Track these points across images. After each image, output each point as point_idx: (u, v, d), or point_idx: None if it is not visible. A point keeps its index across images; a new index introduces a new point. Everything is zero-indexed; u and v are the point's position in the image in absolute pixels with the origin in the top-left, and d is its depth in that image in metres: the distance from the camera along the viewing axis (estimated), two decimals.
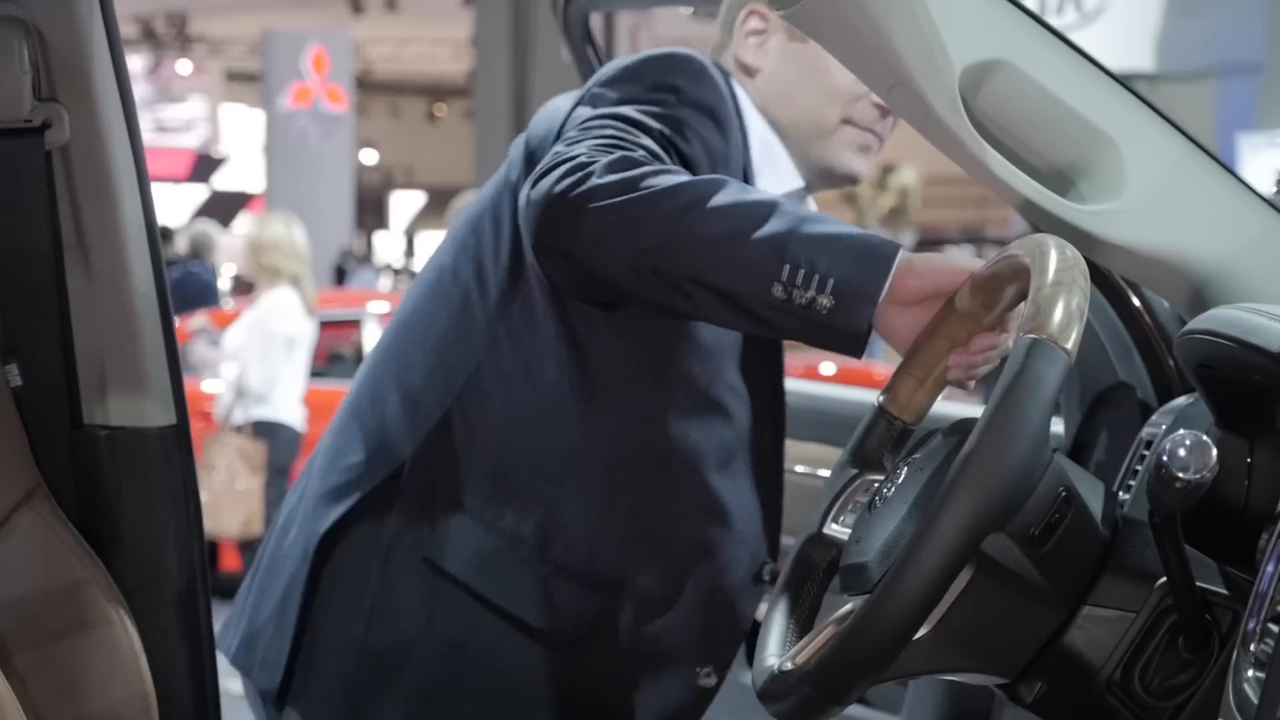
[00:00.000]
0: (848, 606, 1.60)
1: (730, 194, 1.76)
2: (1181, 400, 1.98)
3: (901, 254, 1.73)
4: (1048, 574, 1.52)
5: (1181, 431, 1.41)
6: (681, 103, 2.00)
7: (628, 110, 1.95)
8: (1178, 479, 1.39)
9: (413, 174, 36.76)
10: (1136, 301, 2.32)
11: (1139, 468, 1.93)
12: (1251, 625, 1.36)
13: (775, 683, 1.59)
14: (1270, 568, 1.36)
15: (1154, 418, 1.98)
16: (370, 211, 33.40)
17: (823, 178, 2.24)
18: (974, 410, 2.16)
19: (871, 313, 1.71)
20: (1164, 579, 1.53)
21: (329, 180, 20.72)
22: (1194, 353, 1.74)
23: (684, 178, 1.79)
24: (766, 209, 1.74)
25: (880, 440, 1.79)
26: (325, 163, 20.87)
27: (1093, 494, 1.56)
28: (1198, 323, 1.72)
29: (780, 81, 2.17)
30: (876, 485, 1.71)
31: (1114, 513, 1.58)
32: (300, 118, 20.89)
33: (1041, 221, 1.87)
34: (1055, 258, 1.52)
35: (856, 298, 1.70)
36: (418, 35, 27.67)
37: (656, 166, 1.81)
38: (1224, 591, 1.55)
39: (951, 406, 2.65)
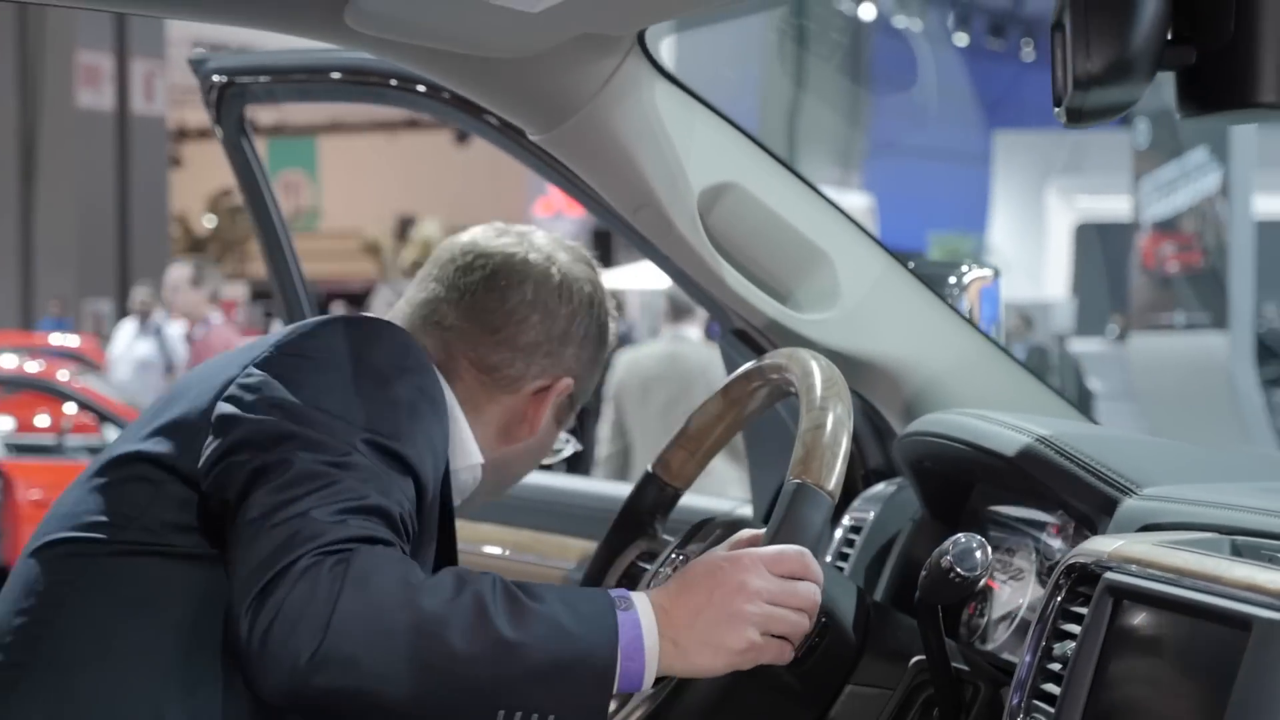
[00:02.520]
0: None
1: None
2: (882, 488, 2.19)
3: (641, 606, 1.55)
4: (806, 684, 1.70)
5: (963, 536, 1.59)
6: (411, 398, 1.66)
7: (347, 449, 1.57)
8: (963, 577, 1.58)
9: None
10: None
11: (848, 550, 2.12)
12: (1016, 701, 1.55)
13: None
14: (1028, 658, 1.55)
15: (857, 503, 2.18)
16: None
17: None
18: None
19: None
20: (917, 658, 1.72)
21: None
22: (915, 451, 1.94)
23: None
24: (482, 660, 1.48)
25: (652, 505, 1.95)
26: None
27: (847, 599, 1.75)
28: (923, 426, 1.92)
29: (518, 453, 1.89)
30: (650, 568, 1.84)
31: (866, 606, 1.76)
32: None
33: (768, 330, 2.04)
34: (820, 385, 1.69)
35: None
36: None
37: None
38: (966, 668, 1.75)
39: None
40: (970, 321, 2.13)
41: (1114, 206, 19.04)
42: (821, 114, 20.99)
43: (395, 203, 29.75)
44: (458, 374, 1.83)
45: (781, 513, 1.60)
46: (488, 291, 1.84)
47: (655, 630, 1.53)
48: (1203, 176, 11.34)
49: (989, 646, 1.87)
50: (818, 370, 1.71)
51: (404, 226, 28.36)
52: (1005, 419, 1.82)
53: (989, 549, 1.59)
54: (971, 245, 23.41)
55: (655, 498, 1.95)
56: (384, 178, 28.10)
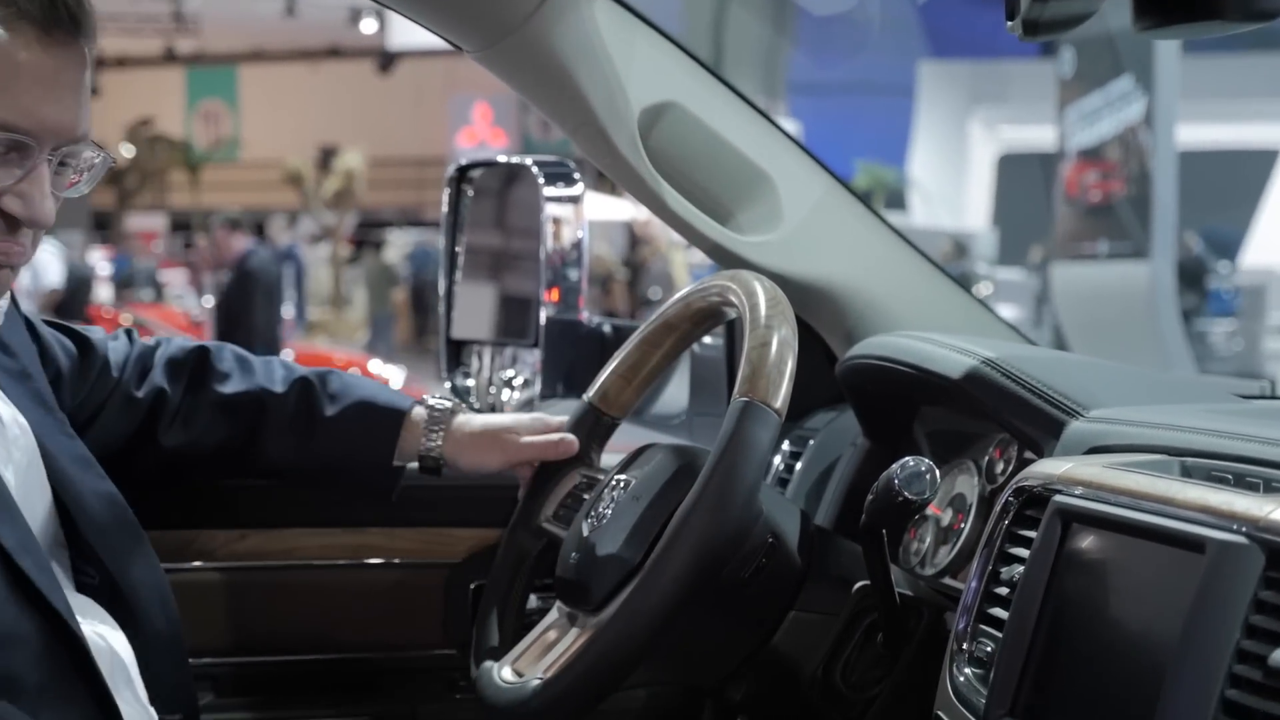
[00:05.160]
0: (558, 616, 1.73)
1: None
2: (822, 413, 2.17)
3: None
4: (752, 607, 1.69)
5: (910, 459, 1.57)
6: None
7: None
8: (911, 500, 1.56)
9: None
10: None
11: (786, 476, 2.11)
12: (962, 625, 1.54)
13: (507, 694, 1.68)
14: (974, 582, 1.53)
15: (797, 429, 2.16)
16: None
17: None
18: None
19: None
20: (861, 583, 1.71)
21: None
22: (859, 374, 1.92)
23: None
24: None
25: (589, 434, 1.91)
26: None
27: (792, 522, 1.73)
28: (866, 349, 1.90)
29: None
30: (589, 497, 1.81)
31: (811, 530, 1.74)
32: None
33: (710, 251, 2.01)
34: (764, 305, 1.66)
35: None
36: None
37: None
38: (910, 593, 1.73)
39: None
40: (913, 244, 2.11)
41: (1037, 136, 19.13)
42: (747, 42, 20.91)
43: (317, 132, 29.42)
44: None
45: (729, 430, 1.57)
46: None
47: None
48: (1127, 106, 11.38)
49: (930, 571, 1.87)
50: (761, 291, 1.67)
51: (326, 156, 28.03)
52: (950, 341, 1.80)
53: (936, 472, 1.57)
54: (895, 175, 23.48)
55: (592, 427, 1.91)
56: (305, 107, 27.77)
